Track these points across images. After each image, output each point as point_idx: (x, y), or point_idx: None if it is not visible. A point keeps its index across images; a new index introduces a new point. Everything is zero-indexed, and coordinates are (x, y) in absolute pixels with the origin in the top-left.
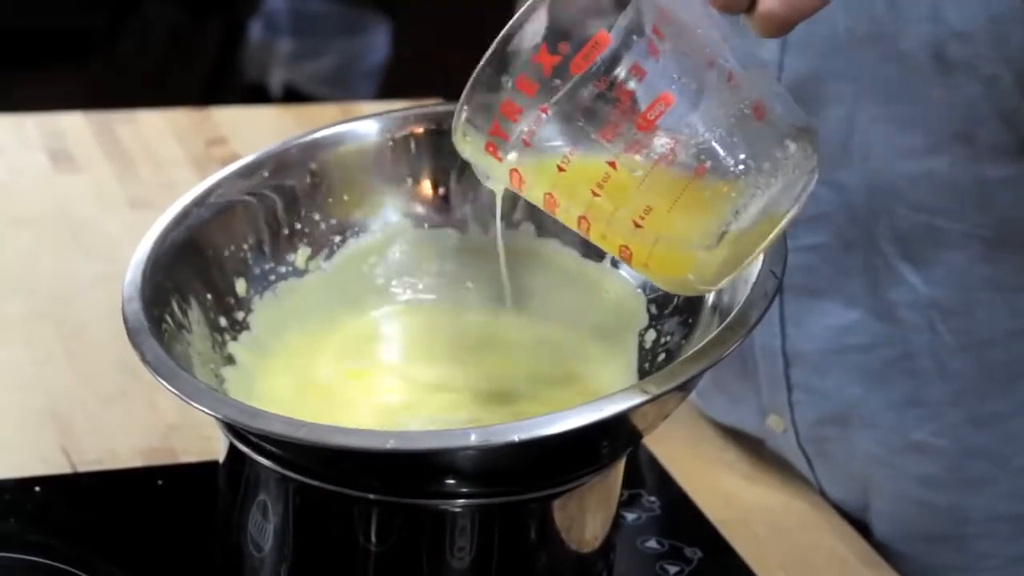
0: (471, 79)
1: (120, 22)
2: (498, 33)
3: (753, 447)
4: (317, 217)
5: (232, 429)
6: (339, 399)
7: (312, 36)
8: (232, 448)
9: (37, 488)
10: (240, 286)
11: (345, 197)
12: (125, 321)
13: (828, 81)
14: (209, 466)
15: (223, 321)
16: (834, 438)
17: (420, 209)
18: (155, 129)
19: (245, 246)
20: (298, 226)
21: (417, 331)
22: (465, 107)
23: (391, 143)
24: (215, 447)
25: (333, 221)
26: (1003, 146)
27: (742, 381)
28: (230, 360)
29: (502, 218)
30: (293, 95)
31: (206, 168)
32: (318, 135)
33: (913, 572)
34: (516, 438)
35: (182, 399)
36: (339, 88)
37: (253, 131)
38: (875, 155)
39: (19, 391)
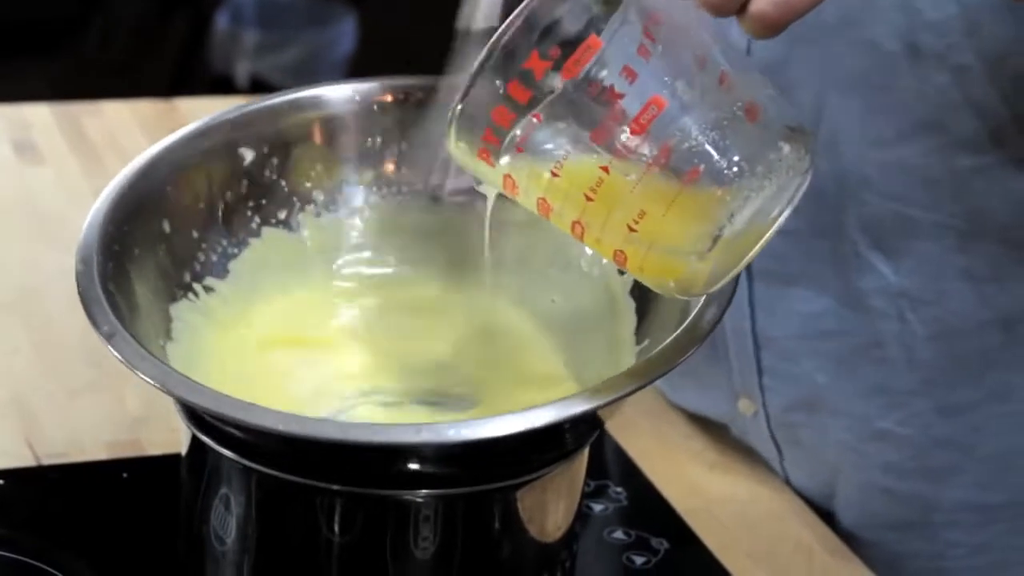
0: (463, 85)
1: (86, 14)
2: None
3: (719, 436)
4: (275, 185)
5: (195, 420)
6: (293, 375)
7: (278, 27)
8: (194, 439)
9: (1, 481)
10: (194, 254)
11: (306, 165)
12: (84, 305)
13: (797, 68)
14: (174, 459)
15: (175, 289)
16: (803, 424)
17: (385, 180)
18: (121, 121)
19: (199, 213)
20: (255, 194)
21: (379, 308)
22: (458, 113)
23: (356, 111)
24: (179, 439)
25: (292, 190)
26: (973, 136)
27: (713, 365)
28: (174, 330)
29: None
30: (259, 86)
31: None
32: (277, 100)
33: (879, 561)
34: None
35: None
36: (305, 79)
37: None
38: (845, 143)
39: None
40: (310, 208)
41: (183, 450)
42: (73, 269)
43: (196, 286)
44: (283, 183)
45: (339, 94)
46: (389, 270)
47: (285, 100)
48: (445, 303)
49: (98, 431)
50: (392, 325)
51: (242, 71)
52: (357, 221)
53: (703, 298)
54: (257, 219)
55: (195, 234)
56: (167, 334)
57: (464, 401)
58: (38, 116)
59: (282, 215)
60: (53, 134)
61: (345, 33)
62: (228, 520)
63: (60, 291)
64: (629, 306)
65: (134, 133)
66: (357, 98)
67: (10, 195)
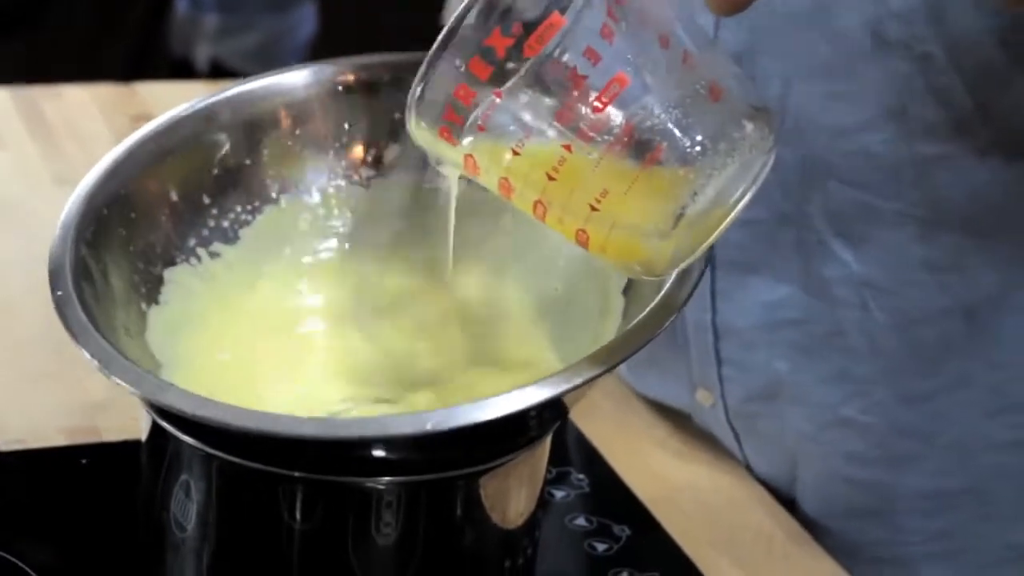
0: (424, 63)
1: None
2: (427, 11)
3: (682, 424)
4: (244, 174)
5: (156, 407)
6: (260, 367)
7: (238, 12)
8: (155, 425)
9: None
10: (165, 246)
11: (274, 153)
12: (53, 291)
13: (763, 57)
14: (134, 445)
15: (145, 283)
16: (763, 414)
17: (355, 164)
18: (80, 105)
19: (169, 205)
20: (224, 184)
21: (348, 296)
22: (418, 92)
23: (322, 94)
24: (139, 425)
25: (261, 179)
26: (937, 125)
27: (673, 355)
28: (147, 321)
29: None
30: (219, 71)
31: None
32: (244, 88)
33: (839, 548)
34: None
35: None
36: (266, 64)
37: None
38: (809, 131)
39: None
40: (281, 195)
41: (143, 436)
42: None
43: (164, 278)
44: (254, 171)
45: (302, 78)
46: (361, 255)
47: (255, 87)
48: (421, 289)
49: (56, 417)
50: (365, 313)
51: (202, 55)
52: (328, 206)
53: (668, 283)
54: (225, 211)
55: (163, 229)
56: (134, 328)
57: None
58: None
59: (254, 203)
60: (11, 118)
61: (306, 18)
62: (188, 507)
63: (18, 277)
64: (618, 300)
65: (94, 117)
66: (321, 80)
67: None
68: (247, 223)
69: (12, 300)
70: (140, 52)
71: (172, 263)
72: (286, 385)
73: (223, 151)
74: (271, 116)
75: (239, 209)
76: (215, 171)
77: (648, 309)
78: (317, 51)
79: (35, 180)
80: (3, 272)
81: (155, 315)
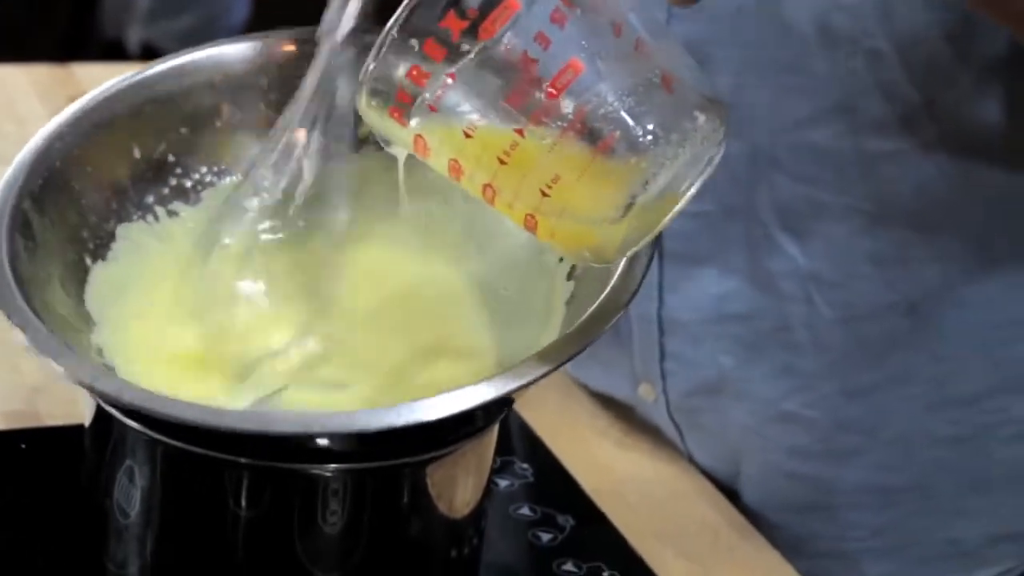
0: (378, 41)
1: None
2: None
3: (625, 414)
4: (212, 134)
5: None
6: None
7: None
8: (99, 410)
9: None
10: (121, 202)
11: (216, 125)
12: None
13: (714, 48)
14: (74, 430)
15: (95, 238)
16: (705, 408)
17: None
18: (16, 85)
19: (130, 161)
20: (165, 157)
21: (291, 271)
22: (371, 70)
23: (260, 67)
24: (80, 411)
25: (226, 143)
26: (884, 120)
27: (616, 348)
28: (89, 276)
29: None
30: (151, 53)
31: None
32: (182, 60)
33: (783, 541)
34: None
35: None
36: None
37: None
38: (758, 123)
39: None
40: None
41: (86, 421)
42: None
43: (101, 255)
44: (223, 133)
45: (240, 50)
46: (302, 232)
47: (186, 61)
48: (371, 271)
49: None
50: (305, 291)
51: (134, 38)
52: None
53: (615, 277)
54: (162, 186)
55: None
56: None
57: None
58: None
59: (220, 166)
60: None
61: (239, 0)
62: (132, 492)
63: None
64: (561, 278)
65: (30, 98)
66: (258, 52)
67: None
68: (211, 185)
69: None
70: (72, 34)
71: (128, 219)
72: (224, 360)
73: (194, 108)
74: (247, 80)
75: (204, 171)
76: (183, 129)
77: (595, 305)
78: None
79: None
80: None
81: (100, 270)
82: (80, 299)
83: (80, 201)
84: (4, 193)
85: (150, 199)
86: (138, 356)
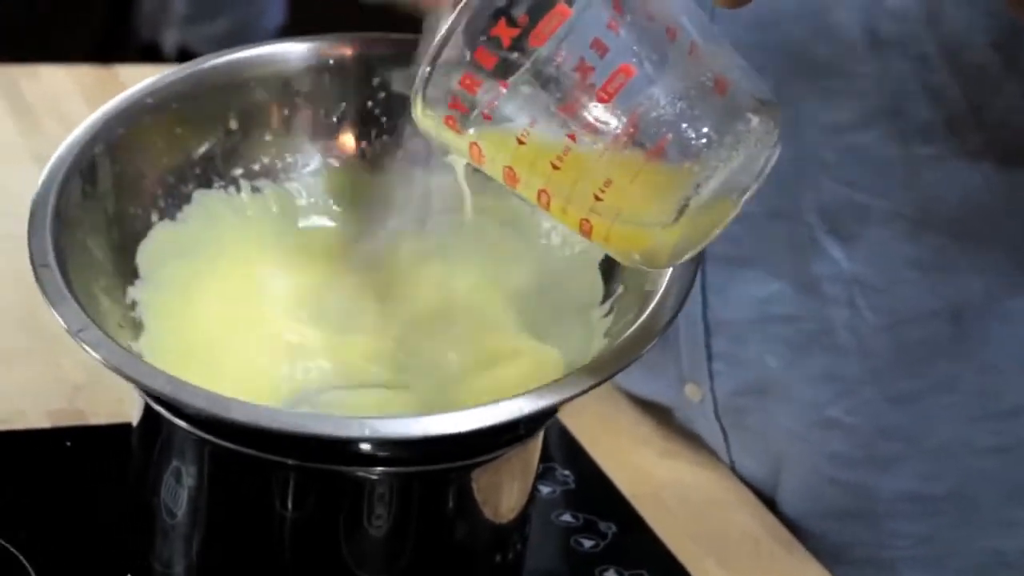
0: (430, 51)
1: None
2: None
3: (666, 421)
4: (235, 143)
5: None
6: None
7: None
8: (148, 409)
9: None
10: (205, 168)
11: (268, 124)
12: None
13: (756, 53)
14: (119, 428)
15: (168, 196)
16: (751, 409)
17: (347, 141)
18: (59, 84)
19: (225, 130)
20: (262, 135)
21: (335, 276)
22: (425, 80)
23: (317, 67)
24: (125, 409)
25: (237, 153)
26: (930, 124)
27: (661, 350)
28: (150, 233)
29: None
30: (187, 56)
31: None
32: (235, 56)
33: (822, 549)
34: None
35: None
36: None
37: None
38: (803, 127)
39: None
40: (251, 173)
41: (134, 420)
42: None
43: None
44: (224, 148)
45: (295, 50)
46: (348, 237)
47: (242, 57)
48: (406, 274)
49: (39, 399)
50: (349, 296)
51: (170, 40)
52: (315, 185)
53: (664, 285)
54: (213, 180)
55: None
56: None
57: (427, 378)
58: None
59: (220, 181)
60: None
61: (275, 3)
62: (179, 492)
63: None
64: (598, 279)
65: (74, 97)
66: (313, 54)
67: None
68: (298, 170)
69: None
70: (108, 37)
71: (208, 186)
72: (260, 352)
73: (301, 89)
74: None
75: (295, 157)
76: (285, 111)
77: (643, 316)
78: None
79: (14, 158)
80: None
81: (164, 228)
82: (128, 250)
83: (161, 159)
84: (77, 134)
85: (238, 171)
86: (173, 321)
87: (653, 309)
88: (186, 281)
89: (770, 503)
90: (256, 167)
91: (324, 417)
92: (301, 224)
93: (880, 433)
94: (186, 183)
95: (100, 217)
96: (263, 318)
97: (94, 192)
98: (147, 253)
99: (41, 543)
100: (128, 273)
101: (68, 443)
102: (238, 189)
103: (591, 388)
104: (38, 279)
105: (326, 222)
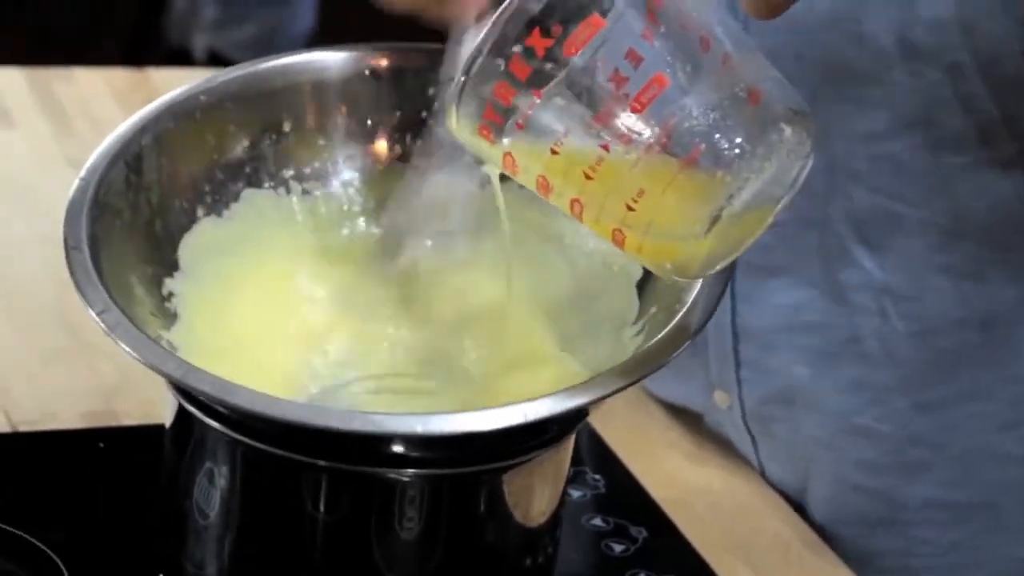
0: (464, 61)
1: None
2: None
3: (695, 427)
4: (268, 151)
5: (182, 391)
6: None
7: (237, 3)
8: (181, 410)
9: None
10: (256, 168)
11: (320, 128)
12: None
13: (789, 61)
14: (152, 430)
15: (215, 192)
16: (779, 417)
17: (377, 151)
18: (93, 87)
19: (278, 134)
20: (316, 138)
21: (367, 280)
22: (459, 90)
23: (355, 76)
24: (158, 411)
25: (288, 155)
26: (962, 133)
27: (690, 356)
28: (194, 226)
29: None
30: (217, 61)
31: None
32: (290, 60)
33: (850, 555)
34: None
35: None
36: (263, 55)
37: None
38: (835, 136)
39: None
40: (302, 176)
41: (167, 421)
42: (43, 235)
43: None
44: (276, 149)
45: (332, 59)
46: (387, 242)
47: (278, 65)
48: (439, 278)
49: (72, 400)
50: (380, 299)
51: (200, 45)
52: (359, 190)
53: (695, 291)
54: (249, 183)
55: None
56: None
57: (454, 381)
58: (9, 80)
59: (271, 182)
60: (24, 97)
61: (304, 9)
62: (212, 493)
63: (31, 258)
64: (634, 298)
65: (106, 101)
66: (349, 63)
67: None
68: (348, 172)
69: (23, 280)
70: (138, 41)
71: (258, 185)
72: (294, 353)
73: (352, 96)
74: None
75: (342, 160)
76: (336, 116)
77: (673, 321)
78: (315, 42)
79: (47, 161)
80: (14, 252)
81: (209, 224)
82: (170, 242)
83: (212, 156)
84: (126, 125)
85: (288, 173)
86: (208, 315)
87: (684, 314)
88: (226, 277)
89: (800, 508)
90: (307, 170)
91: (367, 415)
92: (344, 228)
93: (908, 441)
94: (236, 181)
95: (143, 207)
96: (297, 319)
97: (139, 182)
98: (190, 247)
99: (74, 543)
100: (167, 264)
101: (101, 444)
102: (288, 190)
103: (624, 388)
104: (68, 261)
105: (367, 226)
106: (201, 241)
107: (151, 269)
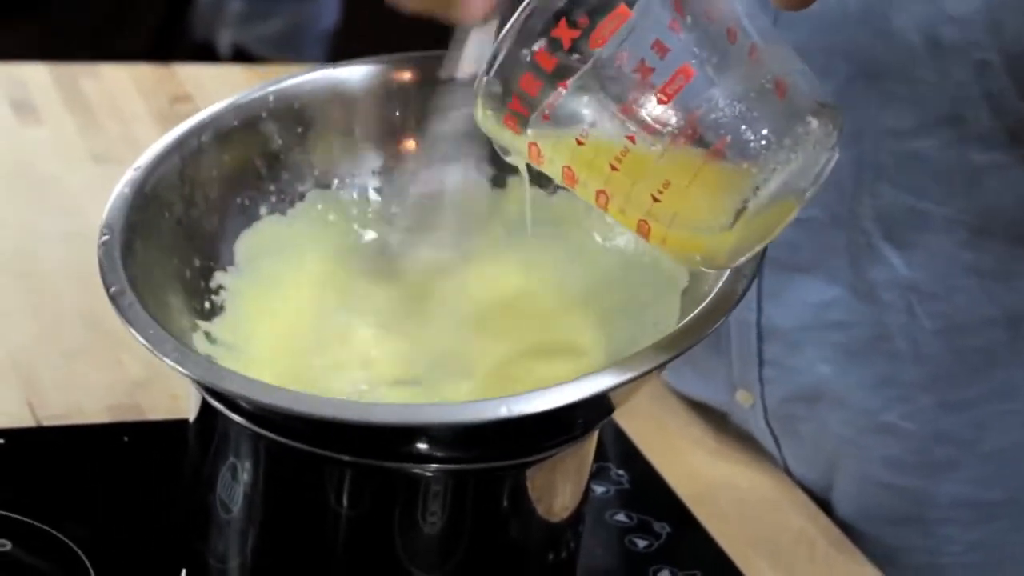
0: (491, 52)
1: None
2: None
3: (719, 423)
4: (293, 162)
5: (207, 387)
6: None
7: None
8: (204, 404)
9: (1, 440)
10: (295, 182)
11: (330, 145)
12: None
13: (818, 57)
14: (176, 424)
15: (280, 192)
16: (802, 416)
17: (401, 157)
18: (118, 83)
19: (322, 148)
20: (273, 170)
21: (395, 280)
22: (485, 80)
23: (373, 88)
24: (182, 406)
25: (295, 179)
26: (991, 131)
27: (714, 355)
28: (207, 336)
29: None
30: (242, 56)
31: (170, 124)
32: (302, 79)
33: (876, 553)
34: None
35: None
36: (288, 51)
37: (218, 89)
38: (864, 133)
39: None
40: (328, 183)
41: (191, 415)
42: (70, 230)
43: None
44: (301, 160)
45: (356, 72)
46: (407, 245)
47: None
48: (462, 275)
49: (97, 394)
50: (408, 298)
51: (224, 40)
52: (373, 196)
53: (719, 284)
54: (273, 196)
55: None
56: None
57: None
58: (35, 76)
59: (301, 189)
60: (50, 94)
61: (328, 6)
62: (235, 488)
63: (56, 253)
64: (677, 304)
65: (132, 96)
66: (374, 75)
67: (8, 155)
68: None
69: (51, 276)
70: (163, 36)
71: (327, 187)
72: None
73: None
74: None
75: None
76: (403, 122)
77: (696, 311)
78: (339, 40)
79: (74, 157)
80: (40, 247)
81: (271, 223)
82: (223, 238)
83: (279, 156)
84: (189, 121)
85: (353, 177)
86: (252, 313)
87: (707, 304)
88: (278, 276)
89: (824, 506)
90: (371, 173)
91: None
92: (397, 234)
93: (935, 439)
94: (303, 182)
95: (199, 201)
96: (337, 321)
97: (195, 176)
98: (248, 242)
99: (98, 537)
100: (219, 259)
101: (126, 438)
102: (352, 194)
103: (640, 376)
104: (99, 247)
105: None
106: (260, 239)
107: (199, 261)
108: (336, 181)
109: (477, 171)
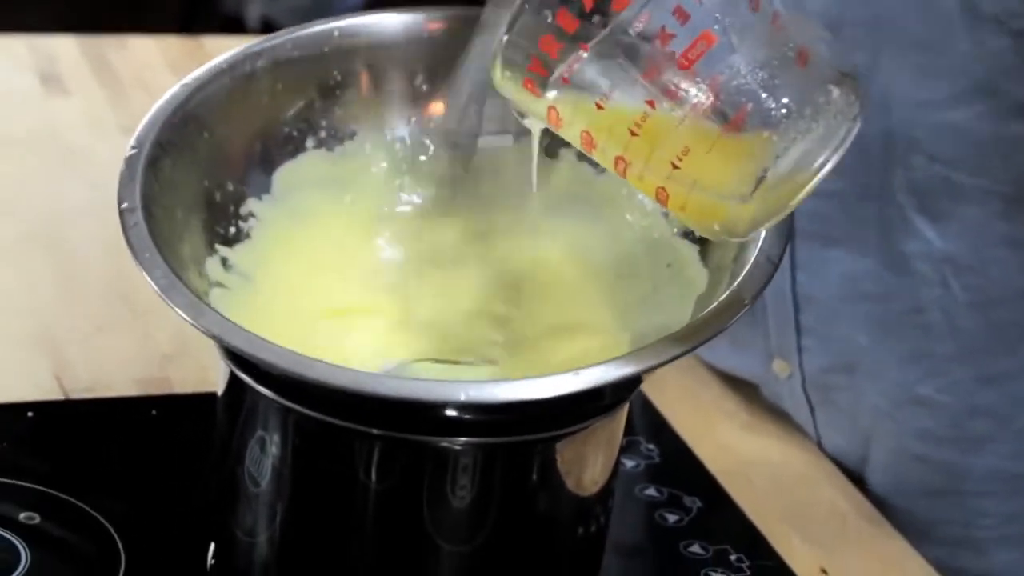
0: (511, 13)
1: None
2: None
3: (750, 397)
4: (333, 111)
5: (234, 358)
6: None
7: None
8: (232, 377)
9: (30, 413)
10: (305, 138)
11: (390, 88)
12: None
13: (850, 26)
14: (205, 398)
15: (221, 217)
16: (840, 386)
17: (428, 117)
18: (147, 55)
19: (324, 100)
20: (332, 109)
21: (417, 250)
22: (505, 41)
23: (404, 41)
24: (211, 378)
25: (348, 117)
26: None
27: (749, 326)
28: (223, 262)
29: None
30: (270, 28)
31: None
32: (370, 19)
33: (909, 527)
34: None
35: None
36: None
37: None
38: (896, 104)
39: (10, 315)
40: (380, 127)
41: (219, 388)
42: (98, 202)
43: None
44: (357, 99)
45: (388, 22)
46: (447, 203)
47: (332, 27)
48: (485, 247)
49: (126, 367)
50: (431, 270)
51: (253, 13)
52: (425, 146)
53: (750, 261)
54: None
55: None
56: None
57: (504, 352)
58: (64, 48)
59: (352, 128)
60: (79, 66)
61: None
62: (263, 461)
63: (84, 224)
64: (693, 259)
65: (160, 69)
66: (405, 27)
67: (36, 127)
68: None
69: (78, 247)
70: (192, 8)
71: (379, 130)
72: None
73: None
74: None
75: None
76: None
77: (730, 289)
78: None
79: (102, 128)
80: (69, 219)
81: (315, 156)
82: (263, 165)
83: (335, 91)
84: (242, 46)
85: (405, 125)
86: (278, 243)
87: (740, 282)
88: (312, 211)
89: (857, 479)
90: (427, 124)
91: (419, 381)
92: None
93: (970, 412)
94: (356, 121)
95: (244, 124)
96: (359, 270)
97: (245, 100)
98: (289, 173)
99: (126, 510)
100: (255, 185)
101: (154, 412)
102: (405, 140)
103: (676, 357)
104: (124, 160)
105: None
106: (301, 170)
107: (233, 186)
108: (389, 126)
109: (530, 140)
